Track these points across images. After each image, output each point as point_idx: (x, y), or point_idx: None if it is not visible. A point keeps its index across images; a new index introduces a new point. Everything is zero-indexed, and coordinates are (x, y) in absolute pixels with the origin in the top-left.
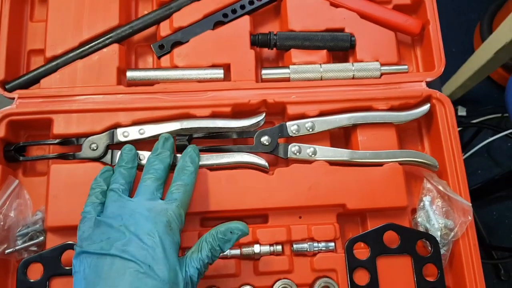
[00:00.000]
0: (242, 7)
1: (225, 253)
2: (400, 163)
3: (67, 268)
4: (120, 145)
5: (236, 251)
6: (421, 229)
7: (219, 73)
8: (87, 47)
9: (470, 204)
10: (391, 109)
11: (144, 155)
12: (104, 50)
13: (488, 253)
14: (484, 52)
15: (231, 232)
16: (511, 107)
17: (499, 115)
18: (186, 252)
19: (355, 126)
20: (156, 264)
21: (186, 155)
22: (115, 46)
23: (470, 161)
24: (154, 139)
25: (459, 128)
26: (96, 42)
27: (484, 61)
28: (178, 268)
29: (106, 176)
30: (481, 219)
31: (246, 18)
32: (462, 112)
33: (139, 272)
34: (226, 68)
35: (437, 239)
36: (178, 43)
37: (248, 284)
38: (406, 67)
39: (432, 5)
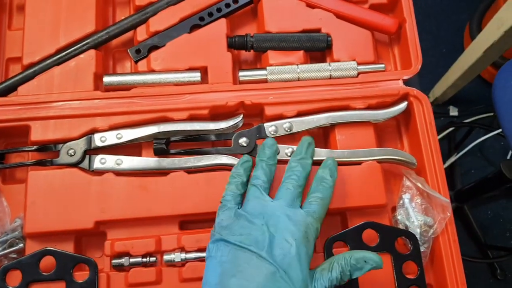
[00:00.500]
0: (219, 10)
1: (203, 255)
2: (379, 161)
3: (45, 274)
4: (97, 150)
5: None
6: (401, 226)
7: (196, 76)
8: (64, 53)
9: (449, 200)
10: (369, 108)
11: (122, 159)
12: (81, 56)
13: (483, 252)
14: (473, 51)
15: (365, 261)
16: (498, 104)
17: (491, 114)
18: (316, 268)
19: (333, 126)
20: (291, 271)
21: (326, 167)
22: (92, 52)
23: (463, 160)
24: (131, 143)
25: (451, 128)
26: (73, 48)
27: (474, 60)
28: (309, 281)
29: (246, 167)
30: (476, 218)
31: (223, 21)
32: (454, 112)
33: (275, 274)
34: (203, 71)
35: (416, 236)
36: (155, 47)
37: None
38: (383, 65)
39: (408, 3)
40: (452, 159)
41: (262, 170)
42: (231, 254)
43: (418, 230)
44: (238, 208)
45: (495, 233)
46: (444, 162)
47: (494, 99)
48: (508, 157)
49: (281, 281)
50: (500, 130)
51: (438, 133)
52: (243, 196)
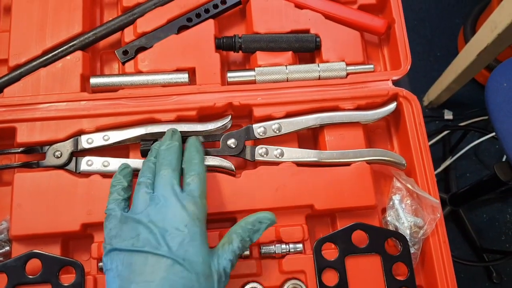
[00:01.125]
0: (207, 11)
1: None
2: (368, 162)
3: (31, 277)
4: (84, 152)
5: None
6: (391, 228)
7: (183, 77)
8: (50, 55)
9: (438, 201)
10: (358, 108)
11: (109, 161)
12: (68, 57)
13: (479, 256)
14: (467, 54)
15: (260, 222)
16: (490, 106)
17: (486, 117)
18: (217, 245)
19: (322, 127)
20: (190, 257)
21: (190, 146)
22: (79, 53)
23: (458, 164)
24: (118, 145)
25: (446, 132)
26: (59, 50)
27: (468, 63)
28: (211, 260)
29: (126, 173)
30: (471, 222)
31: (211, 22)
32: (448, 115)
33: (174, 266)
34: (191, 72)
35: (406, 237)
36: (142, 49)
37: None
38: (372, 66)
39: (397, 4)
40: (447, 162)
41: (148, 168)
42: (125, 261)
43: (408, 231)
44: (124, 212)
45: (491, 236)
46: (439, 166)
47: (486, 101)
48: (503, 160)
49: (182, 271)
50: (494, 133)
51: (433, 137)
52: (129, 200)
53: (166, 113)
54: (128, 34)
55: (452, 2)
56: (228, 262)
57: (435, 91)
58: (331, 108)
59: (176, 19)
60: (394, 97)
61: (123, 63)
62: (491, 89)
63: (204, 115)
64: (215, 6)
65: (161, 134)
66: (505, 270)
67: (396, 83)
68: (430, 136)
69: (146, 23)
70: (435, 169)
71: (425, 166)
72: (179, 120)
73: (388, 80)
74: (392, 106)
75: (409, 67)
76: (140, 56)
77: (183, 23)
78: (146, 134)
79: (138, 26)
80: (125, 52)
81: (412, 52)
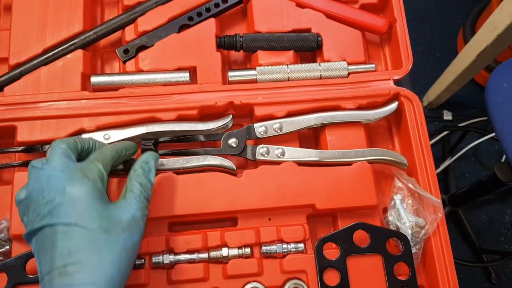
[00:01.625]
0: (208, 9)
1: (193, 257)
2: (369, 161)
3: (31, 276)
4: None
5: (204, 255)
6: (392, 228)
7: (185, 76)
8: (51, 53)
9: (440, 201)
10: (359, 108)
11: None
12: (68, 56)
13: (478, 256)
14: (467, 55)
15: (146, 162)
16: (490, 106)
17: (485, 118)
18: (120, 197)
19: (323, 126)
20: (82, 217)
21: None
22: (80, 52)
23: (457, 164)
24: None
25: (446, 132)
26: (60, 48)
27: (467, 64)
28: (111, 212)
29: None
30: (471, 222)
31: (212, 20)
32: (448, 116)
33: (67, 232)
34: (192, 71)
35: (408, 237)
36: (143, 47)
37: None
38: (373, 65)
39: (399, 3)
40: (446, 163)
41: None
42: (33, 244)
43: (410, 231)
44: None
45: (490, 237)
46: (438, 166)
47: (486, 101)
48: (503, 161)
49: (76, 234)
50: (494, 134)
51: (432, 137)
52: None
53: (167, 112)
54: (129, 33)
55: (451, 2)
56: (136, 209)
57: (434, 92)
58: (332, 108)
59: (177, 18)
60: (395, 97)
61: (124, 62)
62: (491, 89)
63: (205, 114)
64: (216, 5)
65: (162, 133)
66: (504, 270)
67: (397, 82)
68: (429, 137)
69: (147, 22)
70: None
71: (426, 165)
72: (180, 119)
73: (390, 79)
74: (393, 105)
75: (410, 66)
76: (141, 55)
77: (184, 22)
78: (147, 133)
79: (139, 25)
80: (126, 51)
81: (412, 50)
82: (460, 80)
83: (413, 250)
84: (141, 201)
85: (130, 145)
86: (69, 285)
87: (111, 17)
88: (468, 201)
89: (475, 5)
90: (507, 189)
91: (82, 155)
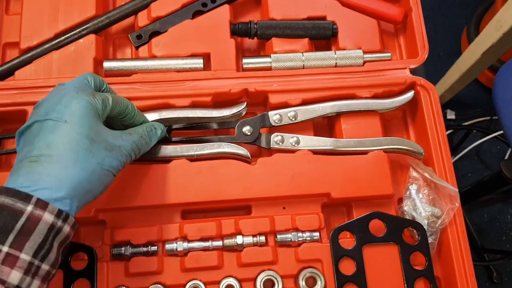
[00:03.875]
0: None
1: (207, 245)
2: (385, 151)
3: None
4: None
5: (219, 243)
6: (407, 217)
7: (198, 62)
8: (63, 38)
9: (457, 190)
10: (375, 97)
11: None
12: (81, 41)
13: (480, 255)
14: (471, 54)
15: (155, 128)
16: (499, 103)
17: (488, 118)
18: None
19: (338, 115)
20: (73, 119)
21: None
22: (92, 37)
23: (460, 164)
24: None
25: (449, 131)
26: (72, 33)
27: (472, 63)
28: (103, 132)
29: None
30: (473, 222)
31: (226, 7)
32: (451, 115)
33: (54, 127)
34: (206, 57)
35: (424, 227)
36: (156, 33)
37: (231, 276)
38: (389, 54)
39: None
40: None
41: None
42: (24, 135)
43: (426, 221)
44: None
45: (492, 236)
46: None
47: (494, 97)
48: (506, 158)
49: (62, 129)
50: (497, 134)
51: None
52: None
53: (180, 98)
54: (142, 19)
55: (455, 2)
56: (126, 144)
57: (437, 91)
58: (347, 96)
59: (191, 4)
60: (411, 86)
61: (137, 48)
62: (500, 85)
63: (219, 101)
64: None
65: (176, 119)
66: (506, 270)
67: (412, 72)
68: None
69: (160, 8)
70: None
71: (443, 155)
72: (194, 106)
73: (406, 68)
74: (409, 94)
75: (426, 55)
76: (154, 40)
77: (198, 8)
78: (160, 119)
79: (152, 10)
80: (139, 37)
81: None
82: (464, 79)
83: (429, 240)
84: (133, 144)
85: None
86: (36, 172)
87: (124, 2)
88: (471, 200)
89: (479, 5)
90: (510, 188)
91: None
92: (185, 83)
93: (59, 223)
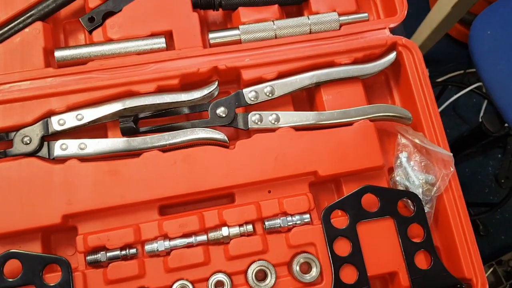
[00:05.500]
0: None
1: (190, 241)
2: (371, 119)
3: (11, 280)
4: (56, 135)
5: (203, 237)
6: (400, 188)
7: (160, 42)
8: (6, 29)
9: (451, 154)
10: (355, 62)
11: (86, 143)
12: (26, 30)
13: None
14: (441, 8)
15: None
16: (476, 56)
17: (462, 71)
18: None
19: (318, 86)
20: None
21: None
22: (39, 24)
23: None
24: (95, 124)
25: None
26: (16, 22)
27: (442, 18)
28: None
29: None
30: None
31: None
32: None
33: None
34: (168, 35)
35: (419, 196)
36: (110, 14)
37: (220, 271)
38: (366, 14)
39: None
40: None
41: None
42: None
43: (420, 190)
44: None
45: (475, 189)
46: None
47: (471, 51)
48: (481, 113)
49: None
50: (472, 87)
51: None
52: None
53: (144, 84)
54: None
55: None
56: None
57: None
58: (326, 64)
59: None
60: (393, 47)
61: (90, 32)
62: (475, 38)
63: (187, 83)
64: None
65: (142, 108)
66: (491, 221)
67: (392, 31)
68: None
69: None
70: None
71: (432, 118)
72: (160, 90)
73: (385, 28)
74: (391, 56)
75: (405, 12)
76: (109, 22)
77: None
78: (124, 109)
79: None
80: (91, 19)
81: None
82: (435, 35)
83: (425, 210)
84: None
85: None
86: None
87: None
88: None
89: None
90: (488, 141)
91: None
92: (148, 66)
93: None
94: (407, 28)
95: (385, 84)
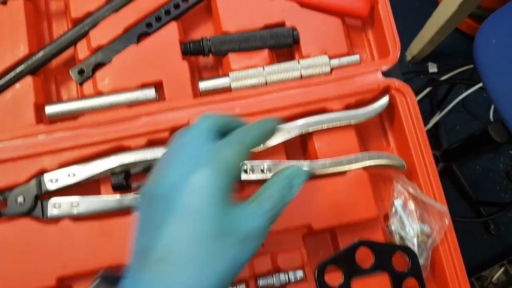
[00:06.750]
0: (167, 12)
1: None
2: (364, 168)
3: None
4: (50, 194)
5: None
6: (396, 237)
7: (150, 93)
8: None
9: (446, 207)
10: (347, 107)
11: (79, 201)
12: (17, 85)
13: (475, 209)
14: (448, 5)
15: (294, 178)
16: (480, 65)
17: (471, 66)
18: (244, 203)
19: (310, 133)
20: (200, 208)
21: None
22: (29, 79)
23: (447, 118)
24: (88, 181)
25: (429, 88)
26: (6, 78)
27: (449, 14)
28: (233, 216)
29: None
30: (465, 175)
31: (174, 25)
32: (433, 68)
33: (181, 217)
34: (159, 85)
35: (414, 248)
36: (100, 65)
37: None
38: (357, 57)
39: None
40: (436, 118)
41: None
42: (142, 208)
43: (415, 240)
44: None
45: (486, 187)
46: (428, 122)
47: (475, 60)
48: (491, 111)
49: (191, 224)
50: (481, 84)
51: (418, 93)
52: None
53: (135, 138)
54: (82, 50)
55: None
56: (262, 221)
57: (417, 45)
58: (318, 111)
59: (134, 26)
60: (385, 90)
61: (81, 84)
62: (480, 46)
63: None
64: (176, 6)
65: (134, 164)
66: (503, 220)
67: (387, 73)
68: (416, 93)
69: (100, 35)
70: (424, 126)
71: (426, 166)
72: (151, 144)
73: (378, 71)
74: (384, 101)
75: (399, 53)
76: (99, 74)
77: (143, 29)
78: (117, 166)
79: (91, 39)
80: (80, 72)
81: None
82: (443, 31)
83: (421, 261)
84: (271, 214)
85: (270, 127)
86: (166, 279)
87: (61, 33)
88: (462, 156)
89: None
90: None
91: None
92: (139, 120)
93: None
94: (415, 22)
95: (380, 126)
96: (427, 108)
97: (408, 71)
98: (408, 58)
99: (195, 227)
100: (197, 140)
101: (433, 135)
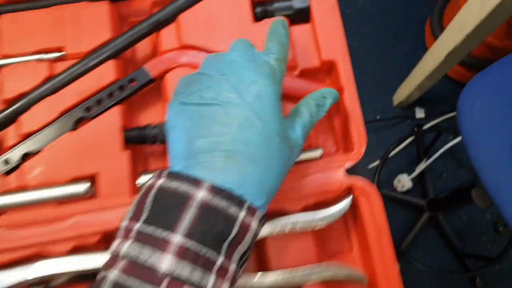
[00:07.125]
0: (110, 95)
1: None
2: (321, 282)
3: None
4: None
5: None
6: None
7: (82, 188)
8: None
9: None
10: (305, 209)
11: None
12: None
13: (461, 261)
14: (435, 55)
15: (324, 97)
16: (464, 132)
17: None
18: (287, 116)
19: (264, 239)
20: (265, 113)
21: (276, 23)
22: None
23: (434, 165)
24: None
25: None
26: None
27: (437, 64)
28: (284, 123)
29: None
30: (451, 225)
31: (117, 109)
32: (420, 114)
33: (247, 120)
34: (93, 180)
35: None
36: (29, 154)
37: None
38: (319, 152)
39: (346, 67)
40: (422, 166)
41: None
42: (193, 116)
43: None
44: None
45: (472, 237)
46: (413, 170)
47: (459, 125)
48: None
49: (258, 126)
50: None
51: (404, 139)
52: None
53: (59, 243)
54: (10, 136)
55: None
56: (300, 135)
57: (405, 90)
58: (273, 212)
59: (71, 110)
60: (348, 191)
61: (7, 174)
62: (463, 113)
63: (111, 239)
64: (121, 88)
65: (53, 276)
66: (489, 274)
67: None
68: (402, 140)
69: (32, 120)
70: (410, 173)
71: (391, 281)
72: (78, 249)
73: (341, 167)
74: (346, 203)
75: (364, 149)
76: (27, 164)
77: (81, 114)
78: (34, 278)
79: (22, 124)
80: (6, 161)
81: (378, 46)
82: (431, 78)
83: None
84: (305, 132)
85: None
86: (239, 172)
87: None
88: (449, 206)
89: None
90: None
91: None
92: (67, 221)
93: (259, 229)
94: (404, 65)
95: (343, 225)
96: (414, 155)
97: (395, 115)
98: (395, 102)
99: (264, 128)
100: (247, 54)
101: (419, 182)
